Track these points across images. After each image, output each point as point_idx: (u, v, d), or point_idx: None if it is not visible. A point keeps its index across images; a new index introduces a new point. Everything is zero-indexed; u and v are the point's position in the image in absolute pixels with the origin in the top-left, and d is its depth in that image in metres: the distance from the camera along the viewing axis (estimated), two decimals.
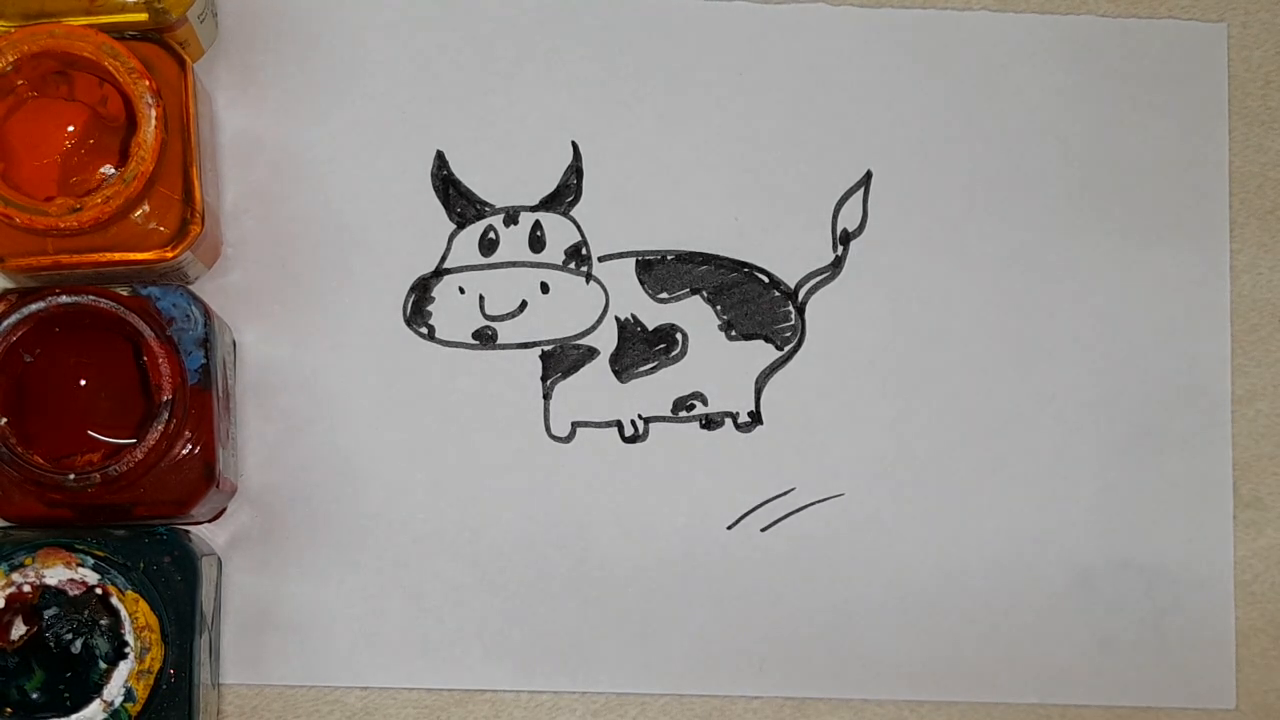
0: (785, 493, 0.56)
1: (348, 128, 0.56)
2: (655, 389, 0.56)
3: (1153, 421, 0.56)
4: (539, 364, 0.56)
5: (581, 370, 0.56)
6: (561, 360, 0.56)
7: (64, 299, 0.49)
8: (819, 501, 0.56)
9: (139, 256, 0.50)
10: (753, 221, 0.56)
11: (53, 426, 0.51)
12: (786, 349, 0.56)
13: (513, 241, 0.56)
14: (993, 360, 0.56)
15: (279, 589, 0.54)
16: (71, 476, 0.48)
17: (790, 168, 0.57)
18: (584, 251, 0.56)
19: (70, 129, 0.51)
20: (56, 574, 0.49)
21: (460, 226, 0.56)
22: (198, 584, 0.50)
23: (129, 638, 0.49)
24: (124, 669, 0.48)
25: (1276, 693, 0.56)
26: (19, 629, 0.49)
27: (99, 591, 0.49)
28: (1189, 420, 0.57)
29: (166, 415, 0.49)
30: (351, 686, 0.54)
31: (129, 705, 0.48)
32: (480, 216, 0.56)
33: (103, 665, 0.49)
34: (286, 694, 0.54)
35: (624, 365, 0.56)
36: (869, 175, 0.57)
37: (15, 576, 0.48)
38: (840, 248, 0.56)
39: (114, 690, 0.48)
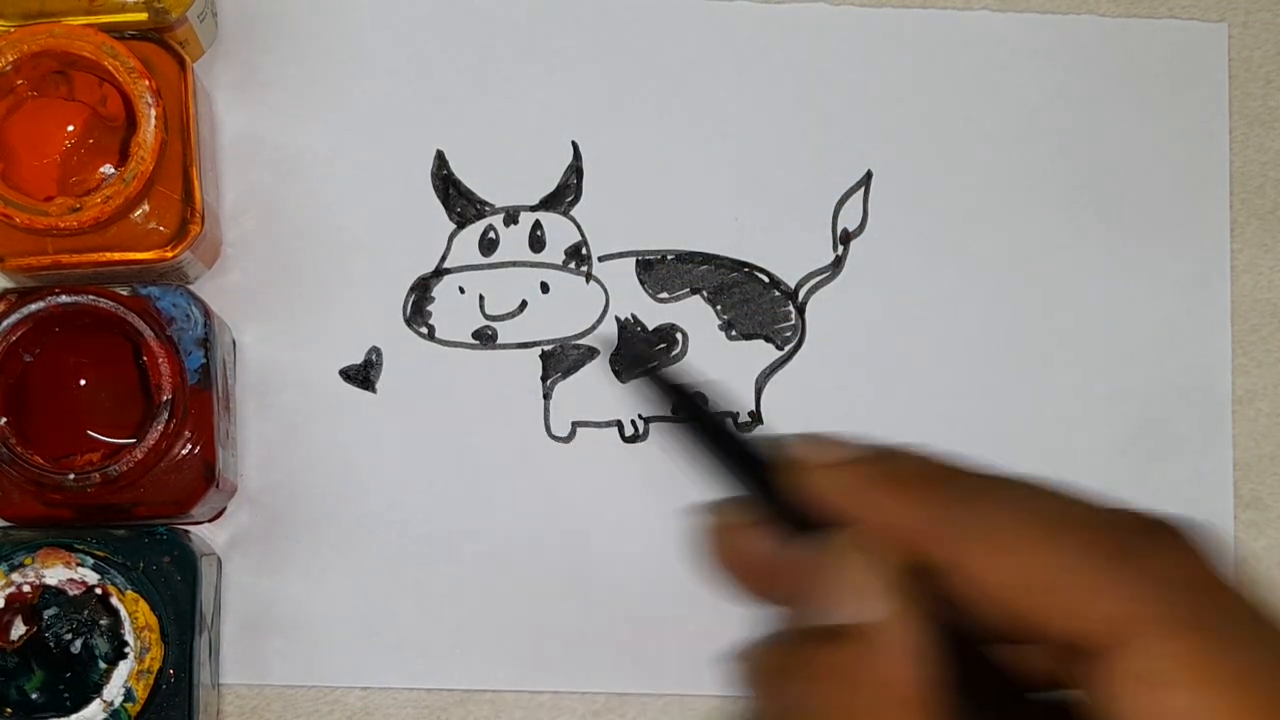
0: None
1: (348, 128, 0.56)
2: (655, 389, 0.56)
3: (1153, 421, 0.56)
4: (539, 364, 0.56)
5: (581, 370, 0.56)
6: (561, 360, 0.56)
7: (64, 299, 0.49)
8: None
9: (139, 256, 0.50)
10: (753, 221, 0.56)
11: (53, 426, 0.51)
12: (786, 349, 0.56)
13: (513, 241, 0.56)
14: (993, 360, 0.56)
15: (279, 589, 0.54)
16: (71, 476, 0.48)
17: (790, 168, 0.57)
18: (584, 251, 0.56)
19: (70, 129, 0.51)
20: (56, 574, 0.49)
21: (460, 226, 0.56)
22: (198, 584, 0.50)
23: (129, 638, 0.49)
24: (124, 669, 0.48)
25: None
26: (19, 629, 0.49)
27: (99, 591, 0.49)
28: (1189, 420, 0.56)
29: (166, 415, 0.49)
30: (351, 686, 0.54)
31: (129, 705, 0.48)
32: (480, 216, 0.56)
33: (103, 665, 0.49)
34: (286, 694, 0.54)
35: (624, 365, 0.56)
36: (869, 175, 0.57)
37: (15, 576, 0.48)
38: (840, 248, 0.56)
39: (114, 690, 0.48)
